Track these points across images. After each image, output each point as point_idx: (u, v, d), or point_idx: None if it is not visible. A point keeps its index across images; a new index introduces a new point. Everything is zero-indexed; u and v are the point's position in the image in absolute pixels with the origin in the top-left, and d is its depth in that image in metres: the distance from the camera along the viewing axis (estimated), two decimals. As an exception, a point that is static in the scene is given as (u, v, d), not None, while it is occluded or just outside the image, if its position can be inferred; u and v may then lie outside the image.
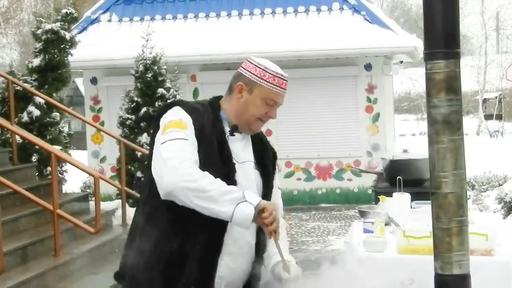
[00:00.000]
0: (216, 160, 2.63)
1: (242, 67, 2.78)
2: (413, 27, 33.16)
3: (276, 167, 2.96)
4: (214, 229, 2.60)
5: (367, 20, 13.08)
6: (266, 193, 2.79)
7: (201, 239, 2.60)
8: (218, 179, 2.53)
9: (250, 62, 2.77)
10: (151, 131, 2.81)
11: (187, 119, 2.64)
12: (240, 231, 2.63)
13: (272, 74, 2.71)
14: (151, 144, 2.71)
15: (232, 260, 2.66)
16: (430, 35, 2.05)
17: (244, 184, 2.67)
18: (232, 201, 2.49)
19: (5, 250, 6.17)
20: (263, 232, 2.65)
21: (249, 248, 2.72)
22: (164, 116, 2.70)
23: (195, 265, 2.60)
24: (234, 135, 2.74)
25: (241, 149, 2.75)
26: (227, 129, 2.74)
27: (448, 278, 2.04)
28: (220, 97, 2.86)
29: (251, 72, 2.73)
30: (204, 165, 2.58)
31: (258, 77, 2.71)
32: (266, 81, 2.70)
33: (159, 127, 2.68)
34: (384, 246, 4.22)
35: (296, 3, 13.56)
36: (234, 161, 2.70)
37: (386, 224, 4.60)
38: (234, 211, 2.48)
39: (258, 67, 2.73)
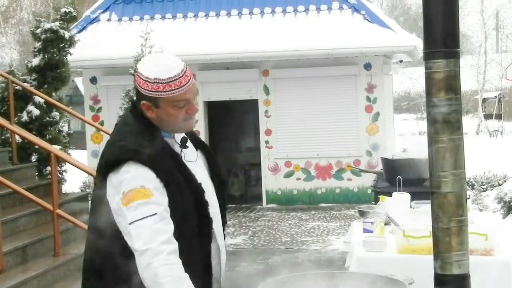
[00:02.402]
0: (185, 191, 2.56)
1: (137, 84, 2.57)
2: (412, 26, 33.16)
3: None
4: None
5: (367, 20, 13.07)
6: (213, 166, 2.81)
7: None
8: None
9: (140, 77, 2.54)
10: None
11: (148, 179, 2.46)
12: (221, 228, 2.73)
13: (165, 83, 2.50)
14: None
15: (225, 256, 2.75)
16: (429, 34, 2.04)
17: (205, 178, 2.69)
18: None
19: (4, 250, 6.17)
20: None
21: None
22: (118, 177, 2.49)
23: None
24: (187, 146, 2.67)
25: (190, 150, 2.71)
26: (177, 146, 2.65)
27: (447, 278, 2.04)
28: (141, 116, 2.61)
29: (146, 89, 2.53)
30: (180, 205, 2.52)
31: (154, 91, 2.52)
32: (163, 92, 2.51)
33: (106, 185, 2.52)
34: (383, 246, 4.22)
35: (296, 2, 13.56)
36: (192, 168, 2.63)
37: (385, 224, 4.60)
38: None
39: (149, 82, 2.51)
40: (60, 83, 9.84)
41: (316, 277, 2.50)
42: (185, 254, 2.45)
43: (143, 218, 2.40)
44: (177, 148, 2.64)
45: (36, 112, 9.39)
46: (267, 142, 13.29)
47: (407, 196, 5.04)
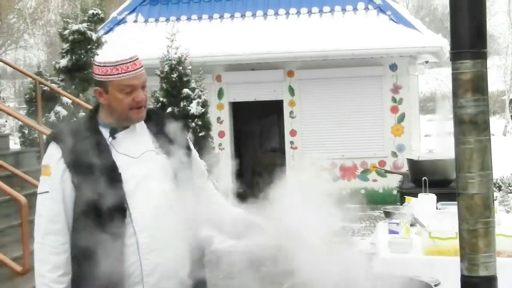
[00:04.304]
0: (100, 176, 2.63)
1: (93, 73, 2.78)
2: (439, 26, 32.93)
3: (188, 140, 2.91)
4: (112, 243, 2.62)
5: (393, 20, 13.02)
6: (179, 173, 2.76)
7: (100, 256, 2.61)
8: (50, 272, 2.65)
9: (95, 64, 2.75)
10: None
11: (54, 158, 2.71)
12: (156, 226, 2.65)
13: (112, 66, 2.68)
14: None
15: (156, 255, 2.66)
16: (456, 34, 2.03)
17: (148, 175, 2.69)
18: None
19: (31, 249, 6.22)
20: (195, 224, 2.72)
21: (175, 240, 2.70)
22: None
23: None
24: (115, 137, 2.73)
25: (133, 144, 2.75)
26: (107, 135, 2.74)
27: (474, 279, 2.02)
28: (95, 109, 2.86)
29: (97, 74, 2.72)
30: (90, 185, 2.63)
31: (103, 75, 2.70)
32: (111, 75, 2.68)
33: None
34: (409, 247, 4.20)
35: (321, 3, 13.54)
36: (125, 161, 2.69)
37: (411, 225, 4.58)
38: None
39: (99, 66, 2.71)
40: (87, 84, 9.94)
41: (341, 278, 2.50)
42: (88, 240, 2.61)
43: (41, 193, 2.74)
44: (107, 138, 2.73)
45: (63, 112, 9.49)
46: (292, 142, 13.29)
47: (433, 197, 5.01)
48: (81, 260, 2.66)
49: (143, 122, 2.81)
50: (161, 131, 2.82)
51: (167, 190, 2.72)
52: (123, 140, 2.74)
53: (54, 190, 2.69)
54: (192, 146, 2.93)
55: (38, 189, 2.77)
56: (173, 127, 2.84)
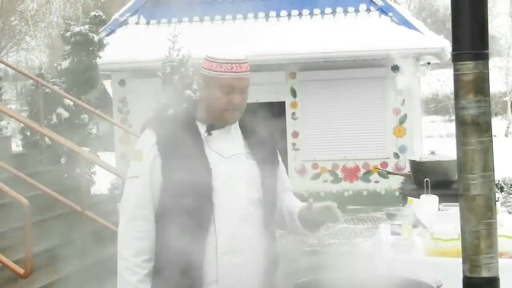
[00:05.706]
0: (190, 168, 2.62)
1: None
2: (440, 28, 32.89)
3: (277, 153, 2.93)
4: (195, 235, 2.62)
5: (394, 21, 13.02)
6: (265, 181, 2.77)
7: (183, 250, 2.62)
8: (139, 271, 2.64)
9: (204, 59, 2.75)
10: None
11: (148, 144, 2.70)
12: (237, 228, 2.64)
13: (218, 62, 2.68)
14: None
15: (234, 257, 2.64)
16: (458, 36, 2.03)
17: (237, 177, 2.68)
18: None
19: (34, 251, 6.24)
20: (272, 233, 2.73)
21: (252, 245, 2.69)
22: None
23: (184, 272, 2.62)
24: (211, 133, 2.73)
25: (227, 144, 2.75)
26: (203, 130, 2.74)
27: (476, 281, 2.02)
28: (193, 104, 2.87)
29: (203, 68, 2.74)
30: (179, 176, 2.61)
31: (208, 69, 2.71)
32: (215, 71, 2.68)
33: None
34: (411, 249, 4.20)
35: (323, 5, 13.54)
36: (216, 159, 2.68)
37: (413, 227, 4.57)
38: None
39: (207, 61, 2.72)
40: (89, 86, 9.95)
41: (344, 279, 2.50)
42: (169, 232, 2.61)
43: (130, 178, 2.73)
44: (202, 133, 2.73)
45: (65, 114, 9.49)
46: (294, 144, 13.28)
47: (435, 198, 5.00)
48: (162, 250, 2.65)
49: (238, 125, 2.83)
50: (254, 137, 2.84)
51: (253, 195, 2.73)
52: (217, 139, 2.74)
53: (144, 175, 2.67)
54: (280, 160, 2.95)
55: (128, 174, 2.75)
56: (266, 137, 2.88)
